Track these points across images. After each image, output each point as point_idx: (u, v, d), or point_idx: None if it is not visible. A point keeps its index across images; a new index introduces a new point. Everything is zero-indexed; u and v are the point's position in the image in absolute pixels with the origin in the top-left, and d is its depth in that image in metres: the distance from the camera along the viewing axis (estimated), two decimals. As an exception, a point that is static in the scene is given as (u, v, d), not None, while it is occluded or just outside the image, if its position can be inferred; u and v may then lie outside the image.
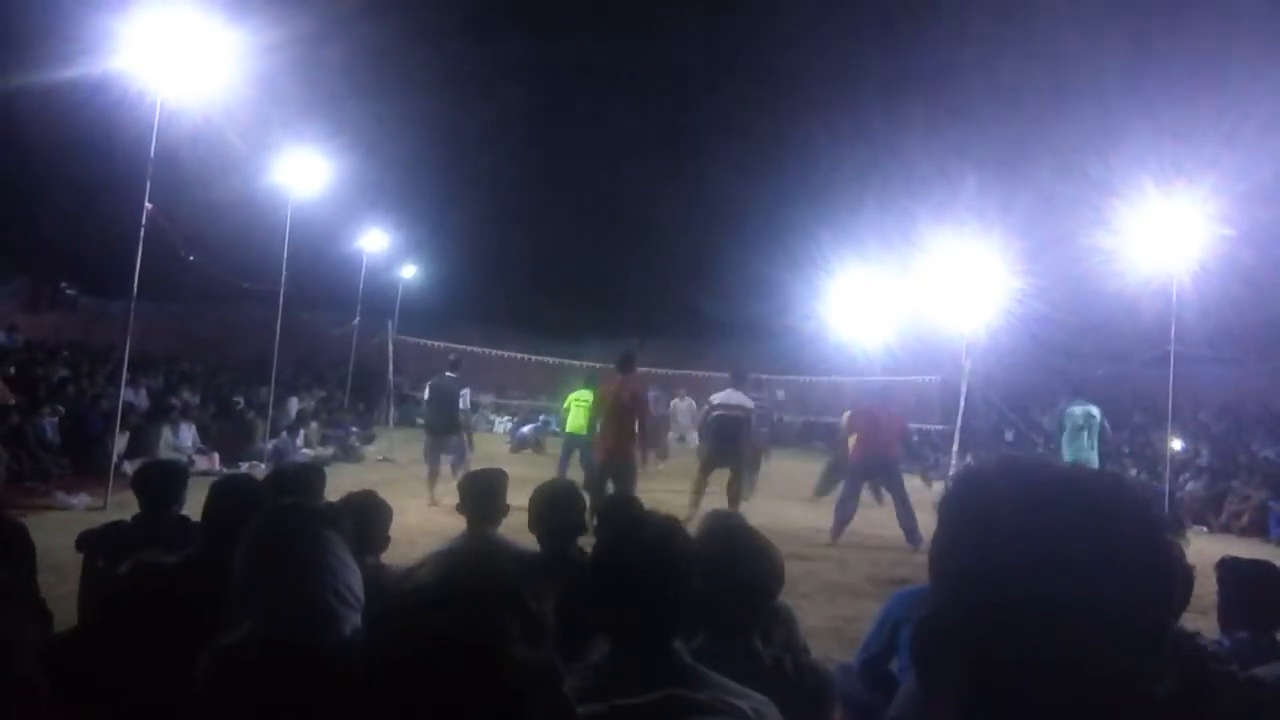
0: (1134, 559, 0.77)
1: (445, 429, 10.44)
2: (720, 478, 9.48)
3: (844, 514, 8.88)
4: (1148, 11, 18.13)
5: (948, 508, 0.86)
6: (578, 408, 11.28)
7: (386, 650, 1.04)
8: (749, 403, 9.79)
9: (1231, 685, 1.39)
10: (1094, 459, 10.06)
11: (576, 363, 19.04)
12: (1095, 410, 10.38)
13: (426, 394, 10.78)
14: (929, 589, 0.88)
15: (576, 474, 10.50)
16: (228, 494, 2.59)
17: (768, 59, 28.12)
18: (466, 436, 10.84)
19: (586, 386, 11.60)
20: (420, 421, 11.69)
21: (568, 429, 11.50)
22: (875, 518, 9.77)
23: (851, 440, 9.59)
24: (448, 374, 10.71)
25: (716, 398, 9.86)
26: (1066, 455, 9.90)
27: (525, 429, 18.79)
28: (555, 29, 26.44)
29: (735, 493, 9.37)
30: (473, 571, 1.17)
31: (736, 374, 10.16)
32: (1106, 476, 0.83)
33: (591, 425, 9.87)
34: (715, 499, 8.61)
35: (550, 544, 3.15)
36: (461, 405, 10.61)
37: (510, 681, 0.99)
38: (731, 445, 9.48)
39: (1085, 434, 10.24)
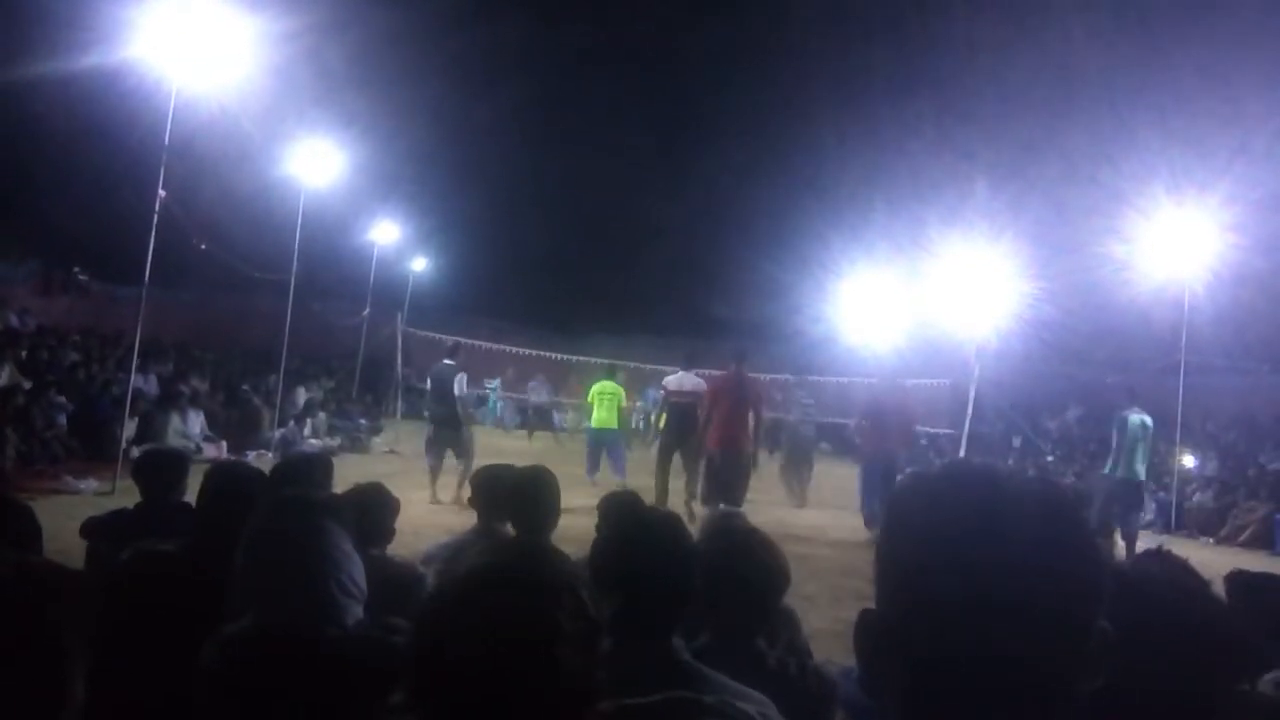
0: (1062, 564, 0.79)
1: (444, 419, 9.97)
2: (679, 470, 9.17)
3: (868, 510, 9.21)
4: (1159, 18, 18.02)
5: (892, 511, 0.89)
6: (601, 401, 10.73)
7: (434, 636, 1.04)
8: (702, 386, 9.23)
9: (1244, 700, 1.40)
10: (1141, 473, 9.12)
11: (584, 358, 19.02)
12: (1149, 420, 9.23)
13: (428, 384, 10.34)
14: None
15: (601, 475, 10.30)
16: (223, 481, 2.57)
17: (778, 60, 28.09)
18: (468, 428, 10.25)
19: (610, 377, 11.16)
20: (426, 414, 11.58)
21: (594, 424, 10.97)
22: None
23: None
24: (445, 361, 10.16)
25: (670, 382, 9.45)
26: (1121, 468, 8.96)
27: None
28: (568, 23, 26.43)
29: (693, 484, 8.97)
30: (528, 566, 1.16)
31: (690, 356, 9.81)
32: (1041, 483, 0.86)
33: (624, 420, 9.91)
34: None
35: (522, 536, 3.04)
36: (457, 390, 9.89)
37: (555, 682, 0.99)
38: (689, 432, 9.02)
39: (1141, 446, 9.05)
